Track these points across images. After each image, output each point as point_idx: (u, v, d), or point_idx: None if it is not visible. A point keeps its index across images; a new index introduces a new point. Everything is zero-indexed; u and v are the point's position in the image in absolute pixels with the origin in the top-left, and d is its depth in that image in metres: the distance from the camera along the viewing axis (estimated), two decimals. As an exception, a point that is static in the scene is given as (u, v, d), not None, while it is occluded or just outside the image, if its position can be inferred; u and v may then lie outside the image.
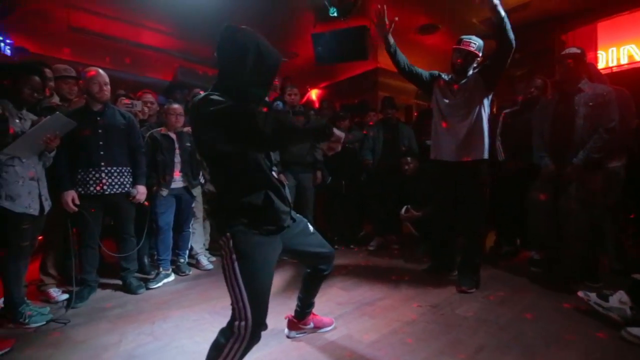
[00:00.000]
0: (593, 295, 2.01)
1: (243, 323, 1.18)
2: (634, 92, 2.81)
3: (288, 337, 1.81)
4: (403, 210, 3.45)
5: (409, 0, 4.54)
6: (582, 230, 2.45)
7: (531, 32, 5.43)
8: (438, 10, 4.76)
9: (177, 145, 2.86)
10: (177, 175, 2.85)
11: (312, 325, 1.84)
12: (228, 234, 1.21)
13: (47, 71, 2.56)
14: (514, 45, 2.30)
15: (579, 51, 2.49)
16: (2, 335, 1.83)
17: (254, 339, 1.20)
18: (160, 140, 2.80)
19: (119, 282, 2.61)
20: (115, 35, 4.88)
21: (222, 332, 1.23)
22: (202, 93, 3.59)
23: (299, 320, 1.80)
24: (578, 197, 2.44)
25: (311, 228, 1.52)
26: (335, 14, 4.04)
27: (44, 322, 2.00)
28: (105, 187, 2.35)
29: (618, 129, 2.39)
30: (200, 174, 3.14)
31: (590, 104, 2.42)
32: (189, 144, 2.94)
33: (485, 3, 2.18)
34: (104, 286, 2.61)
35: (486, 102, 2.54)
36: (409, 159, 3.52)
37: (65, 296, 2.39)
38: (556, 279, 2.52)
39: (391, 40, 2.61)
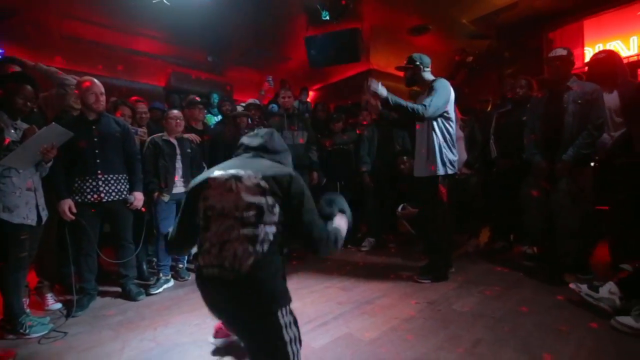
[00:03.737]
0: (584, 287, 2.06)
1: None
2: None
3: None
4: (400, 207, 3.50)
5: (400, 1, 4.61)
6: (574, 224, 2.51)
7: (520, 32, 5.56)
8: (429, 11, 4.83)
9: (178, 151, 2.88)
10: (177, 179, 2.87)
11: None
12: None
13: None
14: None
15: (565, 53, 2.56)
16: (3, 346, 1.83)
17: None
18: (162, 146, 2.81)
19: (119, 289, 2.62)
20: (108, 42, 4.88)
21: None
22: (197, 98, 3.63)
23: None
24: (569, 193, 2.51)
25: None
26: (328, 17, 4.08)
27: (45, 332, 2.00)
28: (102, 195, 2.36)
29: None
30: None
31: (579, 101, 2.48)
32: (189, 150, 2.96)
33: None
34: (103, 294, 2.61)
35: (435, 122, 2.64)
36: (404, 157, 3.57)
37: (59, 305, 2.40)
38: (549, 273, 2.57)
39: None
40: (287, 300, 1.19)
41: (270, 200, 1.15)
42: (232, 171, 1.20)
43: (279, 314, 1.13)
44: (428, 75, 2.74)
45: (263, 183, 1.17)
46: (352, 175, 3.85)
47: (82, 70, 4.73)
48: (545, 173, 2.62)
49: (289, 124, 3.61)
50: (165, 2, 3.11)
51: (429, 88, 2.63)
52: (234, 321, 1.25)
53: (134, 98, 3.38)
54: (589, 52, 5.54)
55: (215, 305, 1.25)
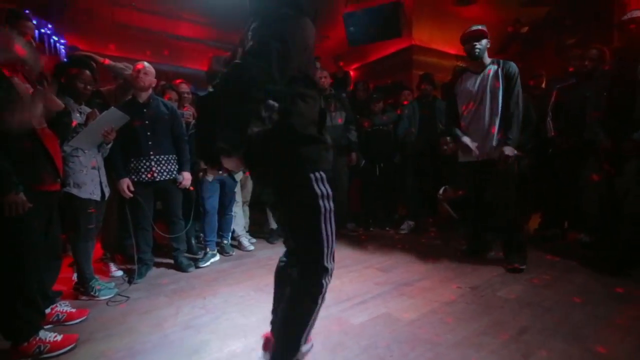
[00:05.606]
0: None
1: (332, 266, 1.17)
2: None
3: None
4: (441, 190, 3.38)
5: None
6: (641, 210, 2.27)
7: (585, -5, 4.93)
8: (478, -22, 4.44)
9: (219, 133, 2.99)
10: (220, 160, 2.99)
11: None
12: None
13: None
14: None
15: (643, 14, 2.24)
16: (78, 306, 2.08)
17: None
18: (203, 129, 2.93)
19: (171, 261, 2.84)
20: (155, 28, 5.10)
21: (310, 285, 1.14)
22: None
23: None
24: (638, 176, 2.25)
25: None
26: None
27: (111, 295, 2.25)
28: (155, 175, 2.54)
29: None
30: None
31: (656, 73, 2.18)
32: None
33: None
34: (158, 265, 2.86)
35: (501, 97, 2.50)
36: (448, 138, 3.40)
37: (120, 273, 2.68)
38: (609, 262, 2.37)
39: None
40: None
41: None
42: None
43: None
44: (486, 54, 2.59)
45: None
46: (391, 157, 3.76)
47: (133, 56, 5.02)
48: (609, 154, 2.37)
49: (326, 104, 3.58)
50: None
51: (493, 70, 2.52)
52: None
53: (177, 81, 3.52)
54: (672, 15, 4.81)
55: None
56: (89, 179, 2.19)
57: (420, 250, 3.03)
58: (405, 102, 3.90)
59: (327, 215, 1.14)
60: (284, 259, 1.37)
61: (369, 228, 3.86)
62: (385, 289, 2.22)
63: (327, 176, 1.16)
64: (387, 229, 3.83)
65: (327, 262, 1.15)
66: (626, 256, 2.34)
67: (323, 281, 1.15)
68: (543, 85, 3.73)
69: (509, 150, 2.42)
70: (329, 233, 1.15)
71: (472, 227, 2.87)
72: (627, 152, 2.25)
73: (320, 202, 1.12)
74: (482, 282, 2.27)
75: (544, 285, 2.19)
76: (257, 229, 3.83)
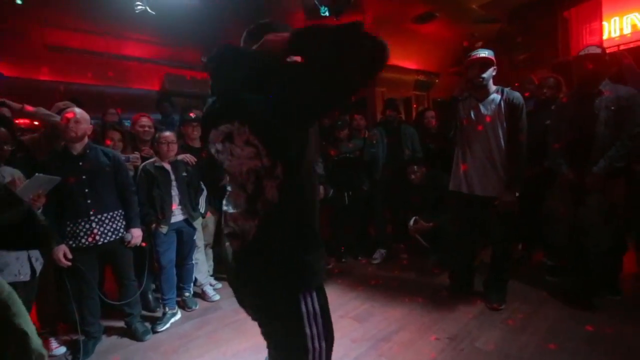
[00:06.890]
0: None
1: None
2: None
3: None
4: (412, 221, 3.33)
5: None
6: (604, 243, 2.33)
7: (532, 14, 5.17)
8: (435, -2, 4.48)
9: (172, 177, 2.70)
10: (175, 207, 2.71)
11: None
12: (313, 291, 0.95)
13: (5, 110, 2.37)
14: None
15: (599, 51, 2.29)
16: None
17: None
18: (155, 174, 2.63)
19: (125, 325, 2.52)
20: (96, 49, 4.61)
21: None
22: (193, 116, 3.34)
23: None
24: (599, 209, 2.31)
25: None
26: (327, 14, 3.76)
27: (50, 389, 1.92)
28: (97, 237, 2.21)
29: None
30: (200, 202, 2.99)
31: (612, 108, 2.24)
32: (185, 174, 2.78)
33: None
34: (109, 331, 2.52)
35: (501, 131, 2.39)
36: (415, 167, 3.36)
37: (62, 350, 2.31)
38: (576, 294, 2.42)
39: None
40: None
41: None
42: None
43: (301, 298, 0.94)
44: (491, 82, 2.42)
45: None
46: (359, 185, 3.66)
47: (72, 80, 4.52)
48: (571, 185, 2.42)
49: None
50: (150, 11, 2.84)
51: (496, 99, 2.38)
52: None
53: (137, 116, 3.03)
54: (605, 27, 5.18)
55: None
56: (13, 258, 1.85)
57: (395, 288, 2.94)
58: (360, 125, 3.74)
59: (317, 357, 0.96)
60: None
61: (341, 259, 3.73)
62: (363, 348, 2.09)
63: (321, 295, 0.97)
64: (359, 258, 3.73)
65: None
66: (592, 287, 2.40)
67: None
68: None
69: (509, 196, 2.32)
70: None
71: (461, 262, 2.73)
72: (589, 186, 2.30)
73: (310, 344, 0.94)
74: (460, 329, 2.21)
75: (519, 327, 2.18)
76: (222, 269, 3.56)
